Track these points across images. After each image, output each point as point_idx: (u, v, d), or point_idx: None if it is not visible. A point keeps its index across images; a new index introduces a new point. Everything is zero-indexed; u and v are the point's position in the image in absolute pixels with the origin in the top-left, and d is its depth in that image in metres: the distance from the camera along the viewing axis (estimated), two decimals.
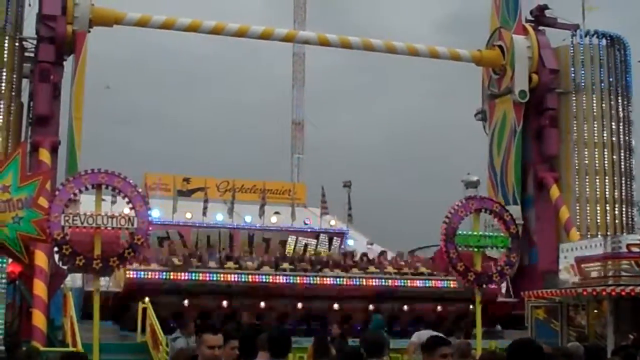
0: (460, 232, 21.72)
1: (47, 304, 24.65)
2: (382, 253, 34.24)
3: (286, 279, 30.09)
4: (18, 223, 17.31)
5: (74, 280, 29.14)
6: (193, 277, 29.08)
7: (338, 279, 30.78)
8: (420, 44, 35.45)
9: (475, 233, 22.00)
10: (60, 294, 27.31)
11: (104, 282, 25.51)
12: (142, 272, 28.28)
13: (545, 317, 26.81)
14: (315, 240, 35.51)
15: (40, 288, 24.42)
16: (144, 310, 25.93)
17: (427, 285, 31.29)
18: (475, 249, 21.97)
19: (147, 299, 26.30)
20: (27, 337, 22.61)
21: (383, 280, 31.14)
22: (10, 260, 19.37)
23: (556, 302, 25.54)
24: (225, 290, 29.30)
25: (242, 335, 10.00)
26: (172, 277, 28.87)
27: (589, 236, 31.89)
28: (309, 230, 36.57)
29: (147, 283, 28.16)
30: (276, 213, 37.27)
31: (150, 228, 19.51)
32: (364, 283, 30.89)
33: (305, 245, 34.80)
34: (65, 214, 18.57)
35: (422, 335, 17.87)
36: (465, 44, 36.94)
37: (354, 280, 30.89)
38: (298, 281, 30.11)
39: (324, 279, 30.61)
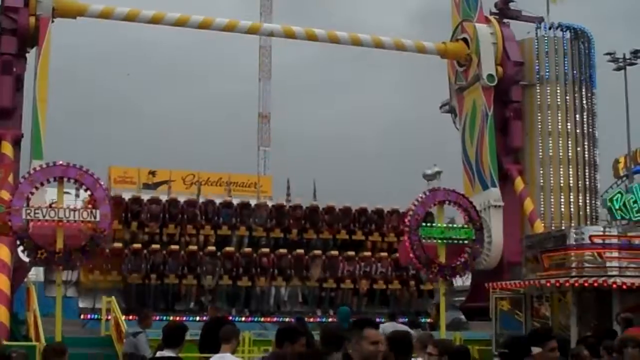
0: (424, 224, 21.86)
1: (10, 298, 24.44)
2: None
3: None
4: None
5: (38, 273, 29.00)
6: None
7: None
8: (388, 36, 35.46)
9: (439, 225, 22.12)
10: (24, 288, 27.13)
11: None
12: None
13: (510, 309, 26.88)
14: None
15: (3, 282, 24.20)
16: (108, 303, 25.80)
17: None
18: (439, 241, 22.10)
19: (112, 298, 26.05)
20: None
21: None
22: None
23: (520, 293, 25.63)
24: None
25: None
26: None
27: (553, 227, 32.06)
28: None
29: None
30: None
31: (112, 221, 19.47)
32: None
33: None
34: (27, 207, 18.48)
35: (386, 327, 17.89)
36: (440, 36, 36.85)
37: None
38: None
39: None
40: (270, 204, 32.50)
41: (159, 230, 29.64)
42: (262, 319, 29.09)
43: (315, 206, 32.02)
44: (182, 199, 30.99)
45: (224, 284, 28.96)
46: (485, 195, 32.79)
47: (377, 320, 11.14)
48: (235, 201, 31.91)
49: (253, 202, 32.32)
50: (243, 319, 28.51)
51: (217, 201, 31.51)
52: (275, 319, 28.31)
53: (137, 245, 28.81)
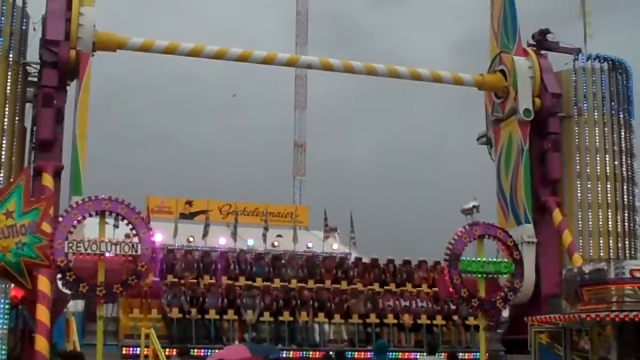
0: (464, 258, 21.79)
1: (49, 328, 24.53)
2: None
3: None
4: (21, 249, 17.39)
5: (76, 304, 29.11)
6: None
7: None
8: (426, 67, 35.50)
9: (479, 259, 22.03)
10: (63, 319, 27.26)
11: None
12: None
13: (549, 342, 26.72)
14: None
15: (42, 313, 24.32)
16: (147, 335, 25.84)
17: None
18: (479, 275, 22.02)
19: (151, 330, 26.11)
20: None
21: None
22: (12, 285, 19.34)
23: (559, 326, 25.46)
24: None
25: None
26: None
27: (591, 262, 31.86)
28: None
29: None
30: (278, 236, 37.33)
31: (154, 254, 19.55)
32: None
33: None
34: (69, 240, 18.62)
35: None
36: (479, 66, 36.84)
37: None
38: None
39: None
40: (302, 254, 32.79)
41: (195, 280, 29.75)
42: (311, 353, 28.84)
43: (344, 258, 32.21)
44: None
45: (266, 320, 28.86)
46: (519, 230, 32.64)
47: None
48: (266, 254, 32.35)
49: (285, 250, 32.57)
50: (292, 354, 28.45)
51: (248, 256, 31.93)
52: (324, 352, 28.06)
53: (174, 280, 28.98)
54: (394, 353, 28.70)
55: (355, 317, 29.94)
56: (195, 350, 26.73)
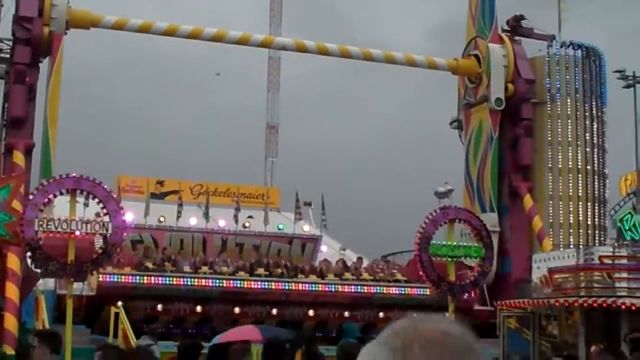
0: (434, 242, 21.85)
1: (18, 307, 24.48)
2: (358, 259, 34.28)
3: (261, 285, 30.03)
4: None
5: (46, 283, 29.01)
6: (167, 282, 28.99)
7: (313, 285, 30.81)
8: (406, 51, 35.58)
9: (449, 243, 22.10)
10: (32, 297, 27.17)
11: (77, 286, 25.40)
12: (116, 276, 28.12)
13: (517, 327, 26.90)
14: (289, 246, 35.57)
15: (12, 291, 24.26)
16: (117, 314, 25.81)
17: (403, 292, 31.27)
18: (449, 259, 22.09)
19: (119, 303, 26.15)
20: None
21: (359, 287, 31.15)
22: None
23: (528, 311, 25.62)
24: (199, 295, 29.23)
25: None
26: (145, 281, 28.77)
27: (561, 242, 32.11)
28: (282, 235, 36.55)
29: (121, 287, 28.01)
30: (249, 217, 37.25)
31: (125, 234, 19.50)
32: (340, 289, 30.89)
33: (279, 250, 34.84)
34: (39, 218, 18.53)
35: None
36: (455, 50, 36.90)
37: (330, 286, 30.90)
38: (273, 287, 30.04)
39: (300, 284, 30.59)
40: None
41: None
42: None
43: None
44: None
45: None
46: (483, 218, 32.78)
47: None
48: None
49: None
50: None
51: None
52: None
53: None
54: None
55: None
56: None
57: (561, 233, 34.16)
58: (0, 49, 30.23)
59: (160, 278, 29.03)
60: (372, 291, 31.28)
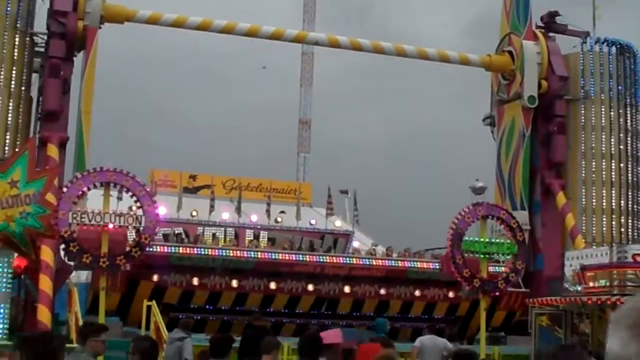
0: (467, 238, 21.77)
1: (52, 299, 24.64)
2: (388, 248, 34.21)
3: (296, 257, 30.24)
4: (25, 218, 17.40)
5: (79, 275, 29.18)
6: (202, 252, 29.14)
7: (348, 258, 31.43)
8: (439, 47, 35.52)
9: (481, 239, 22.01)
10: (66, 290, 27.34)
11: None
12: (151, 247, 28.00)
13: (549, 324, 26.76)
14: (321, 241, 35.57)
15: (45, 283, 24.41)
16: (149, 307, 25.89)
17: (437, 267, 30.96)
18: (482, 256, 22.01)
19: (153, 302, 26.11)
20: (32, 331, 22.59)
21: (393, 262, 31.41)
22: (16, 254, 19.38)
23: (560, 309, 25.51)
24: (235, 266, 29.36)
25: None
26: (181, 251, 28.99)
27: (594, 245, 31.85)
28: (314, 230, 36.56)
29: (156, 257, 27.70)
30: (282, 212, 37.29)
31: (158, 227, 19.60)
32: (374, 263, 31.12)
33: (311, 244, 34.84)
34: (73, 211, 18.66)
35: (425, 340, 17.90)
36: (489, 48, 36.73)
37: (364, 260, 31.33)
38: (308, 259, 30.24)
39: (334, 257, 31.12)
40: None
41: None
42: None
43: None
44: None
45: None
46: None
47: None
48: None
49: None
50: None
51: None
52: None
53: None
54: None
55: None
56: None
57: (594, 221, 33.95)
58: (35, 43, 30.43)
59: (195, 249, 29.29)
60: (406, 265, 31.38)
